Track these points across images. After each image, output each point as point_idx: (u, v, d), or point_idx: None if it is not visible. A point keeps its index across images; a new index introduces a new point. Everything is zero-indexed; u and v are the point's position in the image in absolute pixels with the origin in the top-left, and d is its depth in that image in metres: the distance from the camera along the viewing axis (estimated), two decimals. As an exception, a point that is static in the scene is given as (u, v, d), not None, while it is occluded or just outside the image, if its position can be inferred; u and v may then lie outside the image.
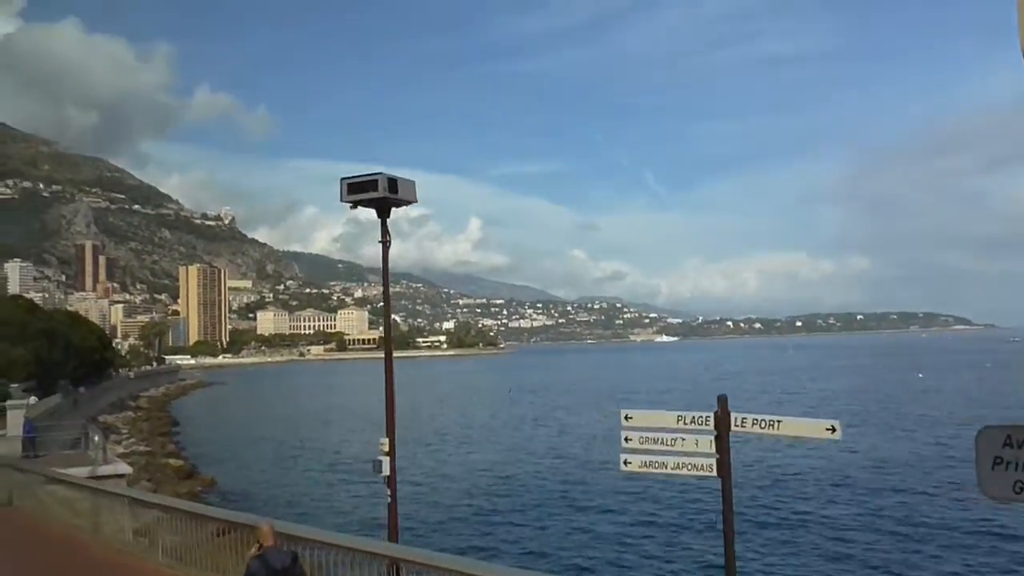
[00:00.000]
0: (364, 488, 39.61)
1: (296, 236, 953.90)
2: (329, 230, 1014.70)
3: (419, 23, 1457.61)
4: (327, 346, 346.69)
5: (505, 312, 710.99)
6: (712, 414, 8.34)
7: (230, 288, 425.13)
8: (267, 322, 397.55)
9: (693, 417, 8.50)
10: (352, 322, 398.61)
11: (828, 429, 7.78)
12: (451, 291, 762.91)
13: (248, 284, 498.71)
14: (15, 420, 29.93)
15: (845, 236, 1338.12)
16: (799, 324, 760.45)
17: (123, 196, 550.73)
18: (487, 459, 47.63)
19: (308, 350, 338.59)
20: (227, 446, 59.84)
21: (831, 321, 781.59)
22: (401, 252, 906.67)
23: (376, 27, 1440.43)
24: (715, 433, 8.32)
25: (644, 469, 8.71)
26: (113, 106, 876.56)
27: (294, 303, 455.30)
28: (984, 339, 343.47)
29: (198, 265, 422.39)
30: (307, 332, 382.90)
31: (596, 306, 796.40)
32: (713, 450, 8.34)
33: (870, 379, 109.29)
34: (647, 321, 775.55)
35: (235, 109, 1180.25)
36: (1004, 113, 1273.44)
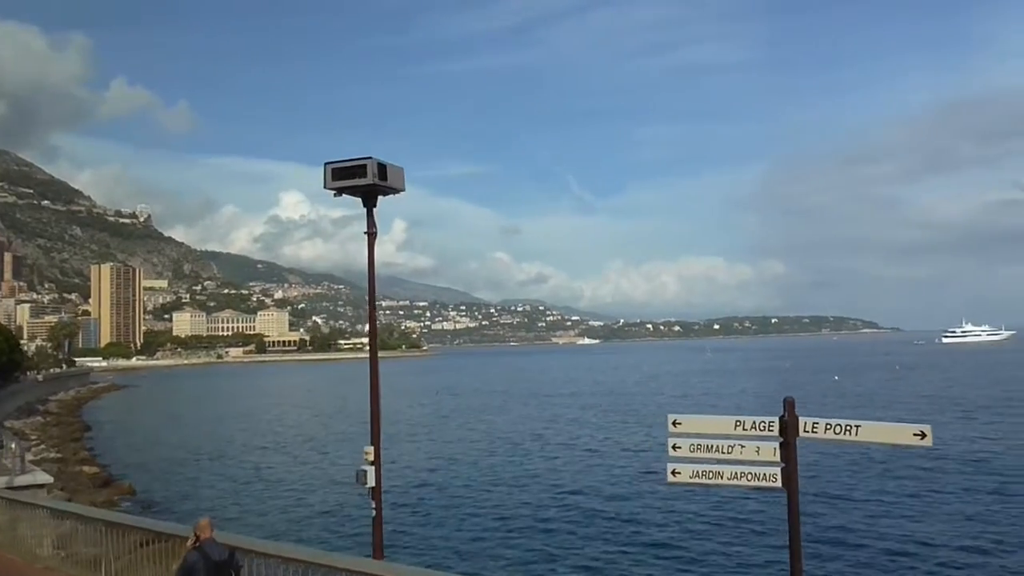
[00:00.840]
0: (293, 496, 38.23)
1: (214, 235, 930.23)
2: (249, 229, 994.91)
3: (346, 21, 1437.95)
4: (246, 348, 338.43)
5: (428, 314, 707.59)
6: (777, 419, 7.48)
7: (145, 288, 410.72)
8: (183, 323, 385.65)
9: (754, 422, 7.59)
10: (272, 323, 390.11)
11: (917, 435, 6.93)
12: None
13: (164, 284, 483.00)
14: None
15: (762, 242, 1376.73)
16: (717, 327, 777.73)
17: (31, 191, 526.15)
18: (437, 463, 46.48)
19: (226, 352, 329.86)
20: (144, 452, 57.15)
21: (747, 324, 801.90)
22: (323, 253, 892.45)
23: (302, 24, 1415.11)
24: (780, 439, 7.46)
25: (695, 480, 7.77)
26: (23, 97, 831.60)
27: (212, 304, 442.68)
28: (891, 342, 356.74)
29: (111, 264, 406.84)
30: (225, 334, 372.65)
31: (519, 308, 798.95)
32: (777, 458, 7.49)
33: (789, 381, 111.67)
34: (569, 324, 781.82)
35: (153, 104, 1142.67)
36: (917, 126, 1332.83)
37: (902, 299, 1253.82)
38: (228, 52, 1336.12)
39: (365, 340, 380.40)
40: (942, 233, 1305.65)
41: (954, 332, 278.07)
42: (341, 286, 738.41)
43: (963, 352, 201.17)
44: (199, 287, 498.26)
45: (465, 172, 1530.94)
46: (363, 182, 9.77)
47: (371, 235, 10.36)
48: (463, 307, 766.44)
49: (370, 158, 9.73)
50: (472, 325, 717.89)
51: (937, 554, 24.54)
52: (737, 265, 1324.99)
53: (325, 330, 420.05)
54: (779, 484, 7.51)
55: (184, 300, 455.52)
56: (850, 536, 26.72)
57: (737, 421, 7.74)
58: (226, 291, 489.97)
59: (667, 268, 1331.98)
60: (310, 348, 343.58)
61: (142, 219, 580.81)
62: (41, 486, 24.52)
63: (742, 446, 7.69)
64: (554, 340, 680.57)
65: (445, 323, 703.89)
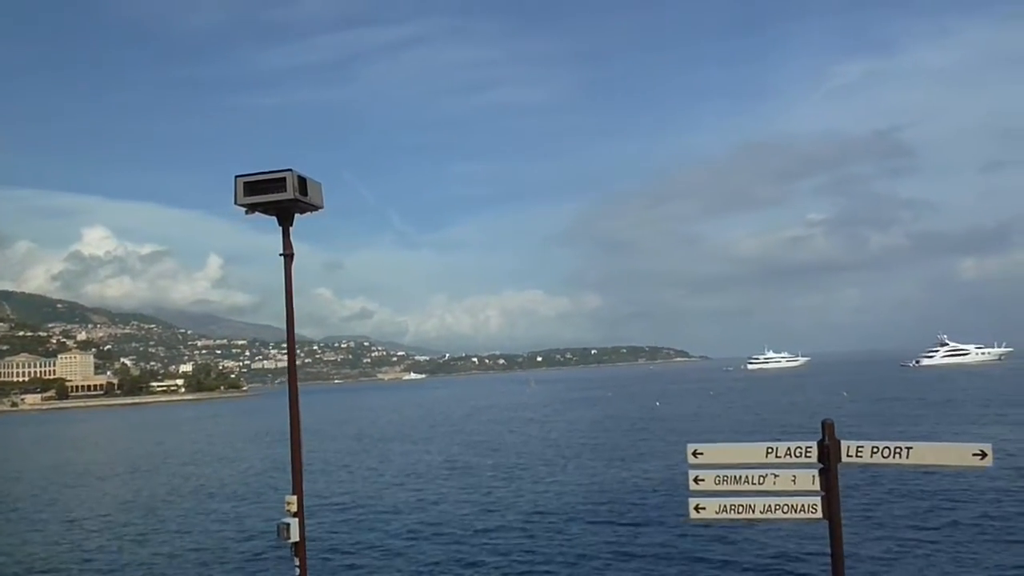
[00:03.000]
0: (99, 553, 34.53)
1: (6, 273, 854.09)
2: (47, 267, 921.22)
3: (157, 50, 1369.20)
4: (45, 394, 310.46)
5: (248, 353, 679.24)
6: (815, 443, 6.88)
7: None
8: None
9: (789, 448, 6.96)
10: (75, 367, 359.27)
11: (976, 455, 6.39)
12: (188, 332, 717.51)
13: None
14: None
15: (579, 275, 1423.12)
16: (539, 359, 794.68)
17: None
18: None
19: (22, 399, 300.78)
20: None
21: (568, 355, 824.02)
22: (130, 291, 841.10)
23: (102, 54, 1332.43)
24: (820, 466, 6.85)
25: (723, 516, 7.05)
26: None
27: (4, 348, 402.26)
28: (701, 369, 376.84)
29: None
30: (20, 379, 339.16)
31: (343, 345, 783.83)
32: (817, 487, 6.87)
33: (614, 408, 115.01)
34: (395, 359, 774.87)
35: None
36: (714, 167, 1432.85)
37: (709, 329, 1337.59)
38: (19, 78, 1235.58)
39: (180, 381, 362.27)
40: (742, 267, 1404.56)
41: (758, 359, 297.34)
42: (152, 325, 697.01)
43: (767, 377, 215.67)
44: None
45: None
46: (281, 197, 8.56)
47: (288, 257, 9.13)
48: (284, 345, 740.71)
49: (290, 170, 8.54)
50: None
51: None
52: (556, 298, 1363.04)
53: (135, 372, 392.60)
54: (820, 515, 6.89)
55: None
56: (900, 572, 23.86)
57: (769, 448, 7.07)
58: (21, 333, 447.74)
59: (490, 302, 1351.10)
60: (119, 392, 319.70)
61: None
62: None
63: (775, 475, 7.03)
64: (380, 376, 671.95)
65: (266, 362, 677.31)
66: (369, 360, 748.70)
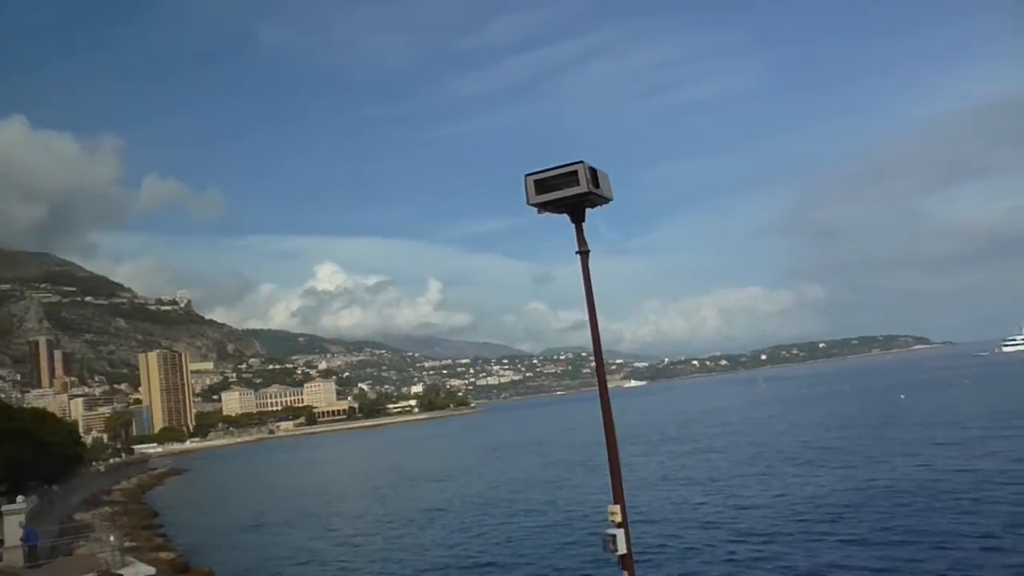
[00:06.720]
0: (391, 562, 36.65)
1: (254, 313, 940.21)
2: (287, 304, 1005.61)
3: (359, 91, 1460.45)
4: (297, 421, 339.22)
5: (472, 371, 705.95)
6: None
7: (192, 371, 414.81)
8: (232, 402, 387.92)
9: None
10: (319, 394, 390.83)
11: None
12: (416, 354, 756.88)
13: (210, 366, 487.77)
14: (12, 527, 26.69)
15: (797, 267, 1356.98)
16: (763, 357, 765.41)
17: (74, 289, 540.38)
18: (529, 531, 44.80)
19: (278, 427, 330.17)
20: (214, 532, 56.08)
21: (794, 351, 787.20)
22: (360, 321, 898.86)
23: (317, 100, 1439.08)
24: None
25: None
26: (60, 201, 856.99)
27: (258, 380, 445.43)
28: (947, 356, 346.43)
29: (157, 351, 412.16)
30: (275, 408, 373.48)
31: (561, 357, 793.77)
32: None
33: (859, 403, 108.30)
34: (614, 367, 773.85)
35: (184, 193, 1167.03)
36: (937, 134, 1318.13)
37: (950, 312, 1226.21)
38: (250, 135, 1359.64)
39: (414, 402, 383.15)
40: (978, 242, 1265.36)
41: (1014, 340, 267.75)
42: (383, 351, 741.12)
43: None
44: (244, 365, 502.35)
45: (493, 227, 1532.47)
46: (574, 192, 8.37)
47: (584, 254, 8.92)
48: (505, 360, 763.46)
49: (581, 162, 8.32)
50: (516, 378, 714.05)
51: None
52: (776, 292, 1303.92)
53: (372, 396, 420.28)
54: None
55: (231, 379, 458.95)
56: None
57: None
58: (271, 367, 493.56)
59: (705, 302, 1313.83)
60: (359, 415, 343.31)
61: (183, 305, 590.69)
62: (143, 579, 23.55)
63: None
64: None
65: (489, 378, 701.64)
66: (588, 370, 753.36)
